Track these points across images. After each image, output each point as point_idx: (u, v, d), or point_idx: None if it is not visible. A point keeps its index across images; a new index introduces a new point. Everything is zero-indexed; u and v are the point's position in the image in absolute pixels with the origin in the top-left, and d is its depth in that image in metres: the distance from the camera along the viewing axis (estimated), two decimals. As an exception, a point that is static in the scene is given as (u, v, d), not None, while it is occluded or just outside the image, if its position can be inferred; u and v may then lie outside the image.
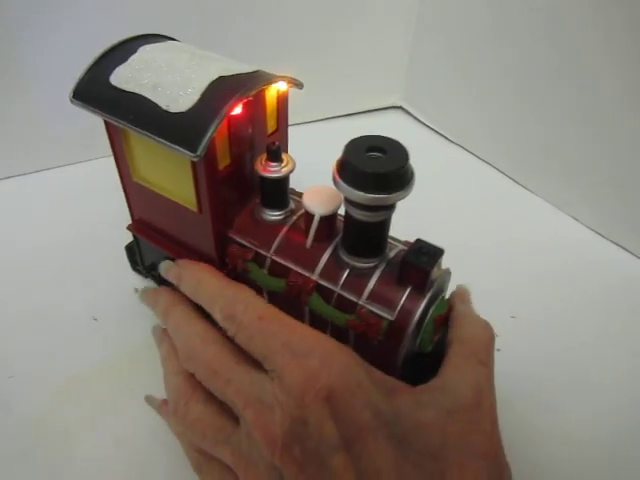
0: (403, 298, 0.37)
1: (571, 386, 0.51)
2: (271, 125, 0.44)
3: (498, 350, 0.51)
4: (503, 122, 0.76)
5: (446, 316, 0.40)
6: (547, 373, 0.52)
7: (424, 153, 0.84)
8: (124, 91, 0.38)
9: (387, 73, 0.90)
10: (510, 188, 0.76)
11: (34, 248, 0.61)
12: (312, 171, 0.70)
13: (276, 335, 0.34)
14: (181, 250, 0.45)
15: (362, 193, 0.34)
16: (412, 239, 0.65)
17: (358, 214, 0.36)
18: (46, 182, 0.73)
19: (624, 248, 0.66)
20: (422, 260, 0.37)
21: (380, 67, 0.88)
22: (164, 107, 0.36)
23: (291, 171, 0.41)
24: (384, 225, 0.39)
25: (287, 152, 0.47)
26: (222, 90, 0.37)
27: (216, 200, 0.40)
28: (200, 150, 0.35)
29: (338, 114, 0.89)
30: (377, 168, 0.34)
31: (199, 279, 0.40)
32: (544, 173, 0.73)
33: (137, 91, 0.37)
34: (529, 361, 0.53)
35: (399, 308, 0.37)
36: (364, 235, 0.38)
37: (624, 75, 0.59)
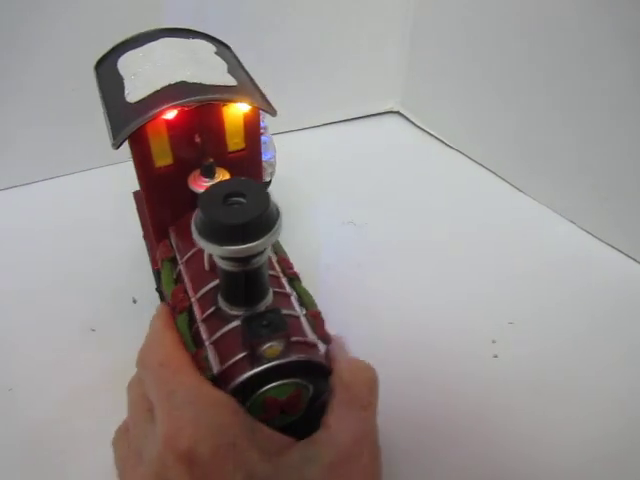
0: (233, 360, 0.34)
1: (569, 392, 0.51)
2: (235, 142, 0.43)
3: (495, 357, 0.53)
4: (501, 127, 0.77)
5: (287, 404, 0.36)
6: (545, 379, 0.52)
7: (421, 158, 0.86)
8: (117, 72, 0.42)
9: (384, 78, 0.90)
10: (508, 192, 0.77)
11: (33, 257, 0.62)
12: (311, 177, 0.71)
13: (167, 383, 0.32)
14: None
15: (222, 247, 0.31)
16: (411, 246, 0.66)
17: (224, 265, 0.33)
18: (45, 191, 0.73)
19: (623, 252, 0.66)
20: (256, 330, 0.33)
21: (377, 72, 0.89)
22: (125, 95, 0.39)
23: None
24: (255, 274, 0.34)
25: (261, 174, 0.47)
26: (168, 93, 0.38)
27: (152, 193, 0.42)
28: (116, 141, 0.37)
29: (336, 120, 0.89)
30: (236, 218, 0.31)
31: (151, 320, 0.39)
32: (542, 177, 0.73)
33: (122, 74, 0.41)
34: (527, 367, 0.53)
35: (224, 367, 0.34)
36: (231, 284, 0.35)
37: (620, 79, 0.59)
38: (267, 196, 0.32)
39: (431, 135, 0.87)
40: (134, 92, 0.39)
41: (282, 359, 0.33)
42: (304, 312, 0.38)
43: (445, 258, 0.65)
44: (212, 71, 0.41)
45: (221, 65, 0.42)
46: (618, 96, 0.60)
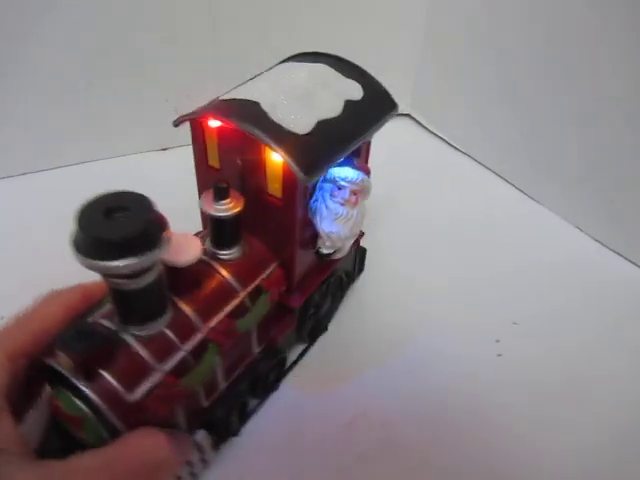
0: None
1: (572, 392, 0.54)
2: (275, 187, 0.42)
3: (499, 356, 0.57)
4: (511, 131, 0.79)
5: (71, 420, 0.36)
6: (548, 379, 0.55)
7: (431, 161, 0.89)
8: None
9: (395, 81, 0.90)
10: (516, 197, 0.80)
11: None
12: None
13: None
14: None
15: (103, 263, 0.30)
16: (417, 250, 0.69)
17: (112, 283, 0.34)
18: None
19: (627, 259, 0.70)
20: (69, 344, 0.34)
21: (388, 74, 0.89)
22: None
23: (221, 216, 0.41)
24: (140, 293, 0.35)
25: (293, 233, 0.44)
26: (231, 107, 0.41)
27: (202, 182, 0.47)
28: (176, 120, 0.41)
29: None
30: (117, 231, 0.30)
31: None
32: (550, 182, 0.77)
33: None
34: (530, 367, 0.56)
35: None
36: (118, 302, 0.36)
37: (629, 86, 0.62)
38: (151, 210, 0.32)
39: (441, 138, 0.90)
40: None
41: (70, 373, 0.34)
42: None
43: (451, 258, 0.68)
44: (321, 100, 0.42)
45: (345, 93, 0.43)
46: (629, 99, 0.62)
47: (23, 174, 0.77)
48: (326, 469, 0.47)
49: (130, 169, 0.74)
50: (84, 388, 0.35)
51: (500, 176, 0.83)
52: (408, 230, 0.71)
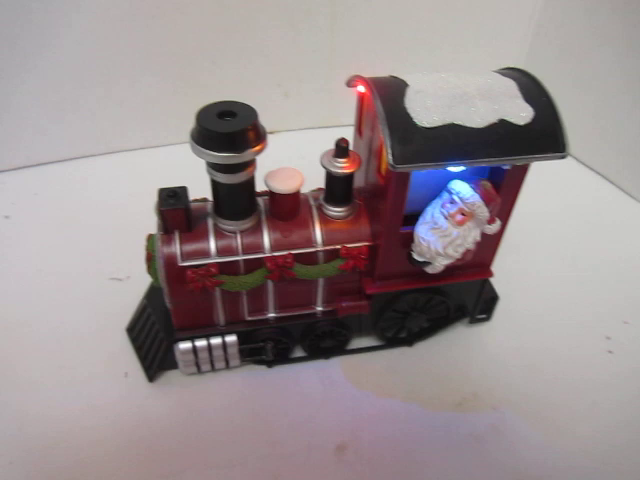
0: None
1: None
2: (383, 168, 0.43)
3: (610, 352, 0.56)
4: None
5: (148, 256, 0.46)
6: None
7: (589, 200, 0.78)
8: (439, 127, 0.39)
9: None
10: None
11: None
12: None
13: None
14: None
15: (209, 151, 0.39)
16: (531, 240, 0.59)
17: (211, 174, 0.42)
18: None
19: None
20: (163, 198, 0.43)
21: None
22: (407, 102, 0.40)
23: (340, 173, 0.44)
24: (245, 187, 0.43)
25: (385, 217, 0.43)
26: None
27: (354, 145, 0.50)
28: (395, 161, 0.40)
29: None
30: (227, 128, 0.39)
31: None
32: None
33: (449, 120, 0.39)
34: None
35: None
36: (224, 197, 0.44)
37: None
38: (254, 115, 0.41)
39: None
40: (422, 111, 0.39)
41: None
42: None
43: (565, 256, 0.67)
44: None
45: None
46: None
47: (141, 149, 0.81)
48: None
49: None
50: (158, 235, 0.44)
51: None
52: (549, 268, 0.65)
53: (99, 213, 0.69)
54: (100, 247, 0.64)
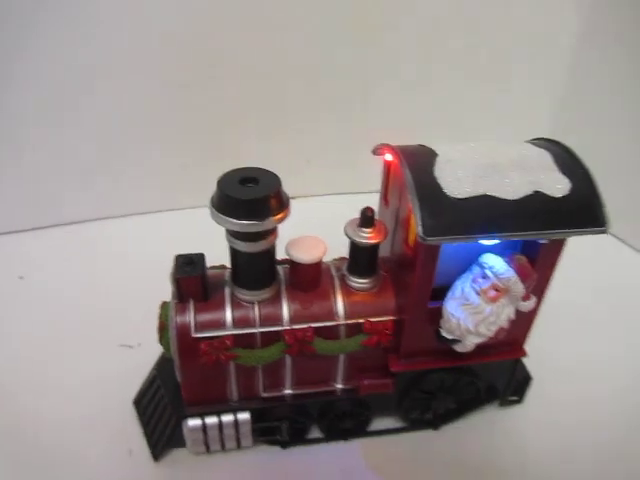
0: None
1: None
2: (411, 239, 0.41)
3: None
4: None
5: (161, 325, 0.44)
6: None
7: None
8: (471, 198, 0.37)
9: None
10: None
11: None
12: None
13: None
14: None
15: (229, 218, 0.37)
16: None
17: (231, 241, 0.40)
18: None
19: None
20: (178, 266, 0.41)
21: None
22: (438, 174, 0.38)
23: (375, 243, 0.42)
24: (255, 258, 0.41)
25: (412, 294, 0.41)
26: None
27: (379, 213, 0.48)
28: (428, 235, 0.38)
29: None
30: (248, 195, 0.37)
31: None
32: None
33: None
34: None
35: None
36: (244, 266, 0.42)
37: None
38: (278, 182, 0.39)
39: None
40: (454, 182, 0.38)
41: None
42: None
43: (601, 336, 0.63)
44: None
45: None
46: None
47: (159, 212, 0.80)
48: None
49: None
50: (172, 304, 0.42)
51: None
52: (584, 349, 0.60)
53: (114, 276, 0.68)
54: (113, 311, 0.62)
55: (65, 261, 0.70)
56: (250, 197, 0.37)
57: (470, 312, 0.40)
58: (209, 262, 0.45)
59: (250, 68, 0.72)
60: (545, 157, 0.40)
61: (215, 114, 0.75)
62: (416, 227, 0.36)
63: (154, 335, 0.46)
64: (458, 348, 0.42)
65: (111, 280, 0.67)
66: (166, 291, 0.45)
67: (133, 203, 0.79)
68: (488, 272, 0.39)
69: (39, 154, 0.71)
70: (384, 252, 0.47)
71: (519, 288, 0.39)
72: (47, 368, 0.55)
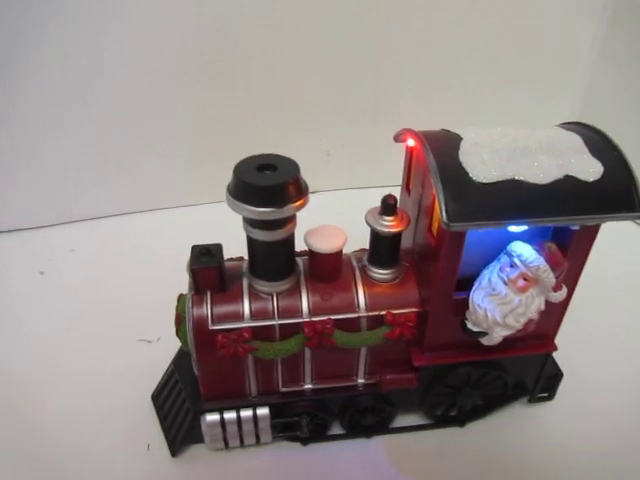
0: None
1: None
2: (435, 227, 0.39)
3: None
4: None
5: (178, 318, 0.44)
6: None
7: None
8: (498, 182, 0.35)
9: None
10: None
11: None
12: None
13: None
14: None
15: (246, 205, 0.36)
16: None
17: (248, 230, 0.39)
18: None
19: None
20: (196, 257, 0.40)
21: None
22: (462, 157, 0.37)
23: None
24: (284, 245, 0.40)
25: (435, 282, 0.39)
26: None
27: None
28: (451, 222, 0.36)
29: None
30: (266, 181, 0.36)
31: None
32: None
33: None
34: None
35: None
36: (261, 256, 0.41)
37: None
38: (296, 168, 0.38)
39: None
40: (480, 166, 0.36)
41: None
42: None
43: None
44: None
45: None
46: None
47: (179, 207, 0.80)
48: None
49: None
50: (189, 295, 0.41)
51: None
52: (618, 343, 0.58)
53: (134, 271, 0.67)
54: (132, 306, 0.61)
55: (84, 257, 0.70)
56: (268, 184, 0.36)
57: (498, 303, 0.38)
58: (227, 256, 0.44)
59: (265, 61, 0.72)
60: (575, 140, 0.38)
61: (233, 109, 0.75)
62: (440, 213, 0.34)
63: (173, 329, 0.45)
64: (485, 341, 0.40)
65: (130, 275, 0.67)
66: (185, 285, 0.44)
67: (152, 199, 0.79)
68: (516, 260, 0.37)
69: (59, 151, 0.71)
70: (406, 244, 0.45)
71: (549, 277, 0.37)
72: (66, 363, 0.55)
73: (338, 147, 0.80)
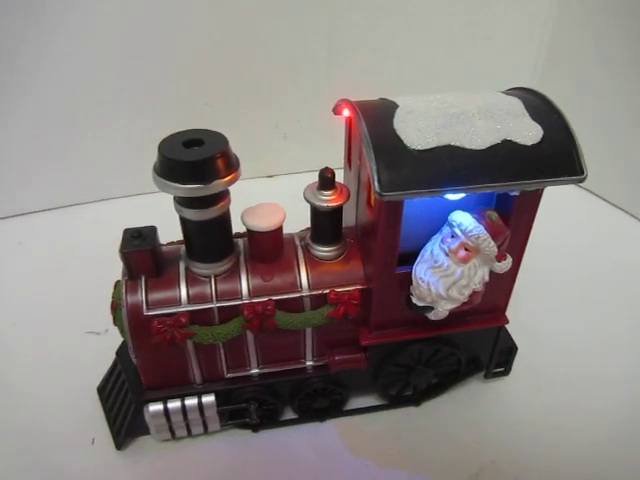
0: None
1: None
2: (373, 198, 0.38)
3: None
4: None
5: (113, 305, 0.41)
6: None
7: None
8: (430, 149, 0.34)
9: None
10: None
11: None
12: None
13: None
14: None
15: (173, 183, 0.34)
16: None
17: (179, 211, 0.37)
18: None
19: None
20: (127, 240, 0.39)
21: None
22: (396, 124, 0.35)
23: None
24: (205, 227, 0.38)
25: (375, 257, 0.38)
26: None
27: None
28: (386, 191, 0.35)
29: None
30: (192, 157, 0.34)
31: None
32: None
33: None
34: None
35: None
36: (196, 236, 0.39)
37: None
38: (224, 141, 0.36)
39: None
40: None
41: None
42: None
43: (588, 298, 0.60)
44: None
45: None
46: None
47: (127, 196, 0.77)
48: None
49: (235, 194, 0.71)
50: (122, 281, 0.39)
51: None
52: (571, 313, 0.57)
53: (82, 263, 0.65)
54: (81, 298, 0.59)
55: (32, 249, 0.68)
56: (193, 159, 0.34)
57: (440, 275, 0.36)
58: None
59: (215, 48, 0.69)
60: (515, 104, 0.37)
61: (184, 96, 0.72)
62: (372, 183, 0.33)
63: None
64: (431, 316, 0.39)
65: (78, 267, 0.64)
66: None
67: (100, 189, 0.76)
68: (457, 230, 0.36)
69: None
70: (350, 221, 0.44)
71: (490, 247, 0.35)
72: (12, 358, 0.53)
73: (294, 129, 0.78)
